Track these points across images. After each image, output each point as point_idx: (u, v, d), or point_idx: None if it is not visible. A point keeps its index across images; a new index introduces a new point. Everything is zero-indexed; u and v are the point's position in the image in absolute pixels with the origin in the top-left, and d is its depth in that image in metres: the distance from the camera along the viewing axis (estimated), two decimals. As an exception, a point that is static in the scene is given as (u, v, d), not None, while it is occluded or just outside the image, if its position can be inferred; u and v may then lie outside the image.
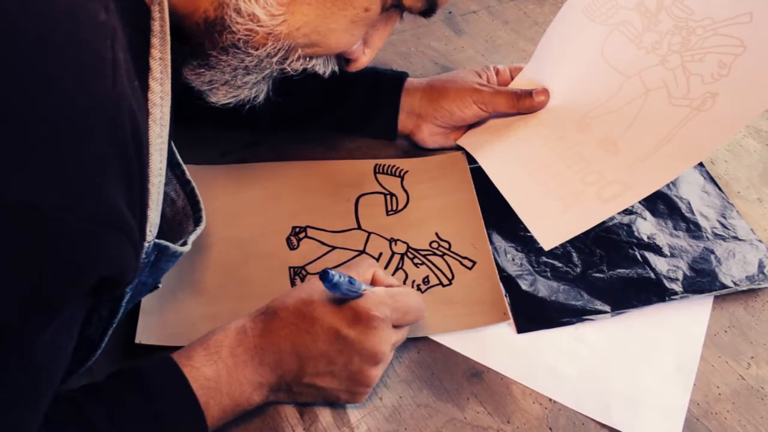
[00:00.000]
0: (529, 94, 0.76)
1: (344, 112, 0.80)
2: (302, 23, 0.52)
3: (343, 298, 0.56)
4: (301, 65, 0.56)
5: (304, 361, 0.55)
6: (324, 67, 0.59)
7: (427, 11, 0.57)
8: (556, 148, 0.73)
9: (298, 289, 0.59)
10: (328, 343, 0.55)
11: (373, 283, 0.61)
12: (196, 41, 0.53)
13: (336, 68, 0.61)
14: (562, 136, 0.73)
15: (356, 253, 0.71)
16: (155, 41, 0.47)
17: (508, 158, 0.75)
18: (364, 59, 0.60)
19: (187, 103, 0.55)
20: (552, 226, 0.67)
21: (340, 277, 0.53)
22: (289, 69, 0.55)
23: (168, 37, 0.47)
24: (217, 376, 0.54)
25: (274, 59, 0.54)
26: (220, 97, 0.56)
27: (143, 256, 0.49)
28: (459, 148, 0.81)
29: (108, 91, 0.39)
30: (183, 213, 0.61)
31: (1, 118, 0.35)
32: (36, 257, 0.36)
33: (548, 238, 0.66)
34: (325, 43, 0.54)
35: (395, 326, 0.58)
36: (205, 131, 0.78)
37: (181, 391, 0.52)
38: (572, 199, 0.68)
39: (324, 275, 0.52)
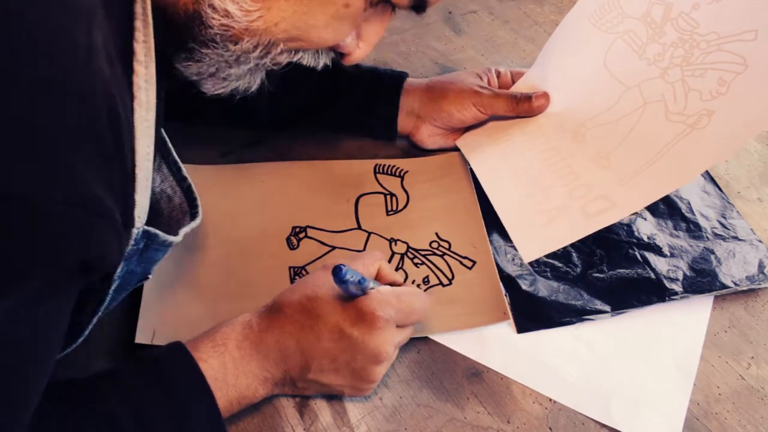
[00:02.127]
0: (528, 98, 0.76)
1: (343, 111, 0.80)
2: (279, 19, 0.51)
3: (349, 295, 0.56)
4: (285, 59, 0.55)
5: (308, 357, 0.56)
6: (313, 61, 0.58)
7: (417, 7, 0.56)
8: (548, 159, 0.73)
9: (302, 284, 0.59)
10: (331, 341, 0.55)
11: (378, 277, 0.61)
12: (181, 34, 0.52)
13: (329, 62, 0.60)
14: (557, 146, 0.73)
15: (356, 253, 0.71)
16: (138, 24, 0.46)
17: (500, 166, 0.75)
18: (358, 53, 0.59)
19: (186, 102, 0.55)
20: (534, 239, 0.68)
21: (351, 275, 0.53)
22: (271, 63, 0.55)
23: (150, 20, 0.46)
24: (224, 368, 0.54)
25: (254, 54, 0.53)
26: (209, 88, 0.56)
27: (132, 242, 0.48)
28: (459, 148, 0.81)
29: (80, 73, 0.38)
30: (180, 209, 0.61)
31: None
32: (4, 240, 0.36)
33: (529, 251, 0.67)
34: (307, 38, 0.54)
35: (399, 326, 0.58)
36: (205, 131, 0.78)
37: (195, 377, 0.53)
38: (557, 213, 0.68)
39: (337, 271, 0.53)
